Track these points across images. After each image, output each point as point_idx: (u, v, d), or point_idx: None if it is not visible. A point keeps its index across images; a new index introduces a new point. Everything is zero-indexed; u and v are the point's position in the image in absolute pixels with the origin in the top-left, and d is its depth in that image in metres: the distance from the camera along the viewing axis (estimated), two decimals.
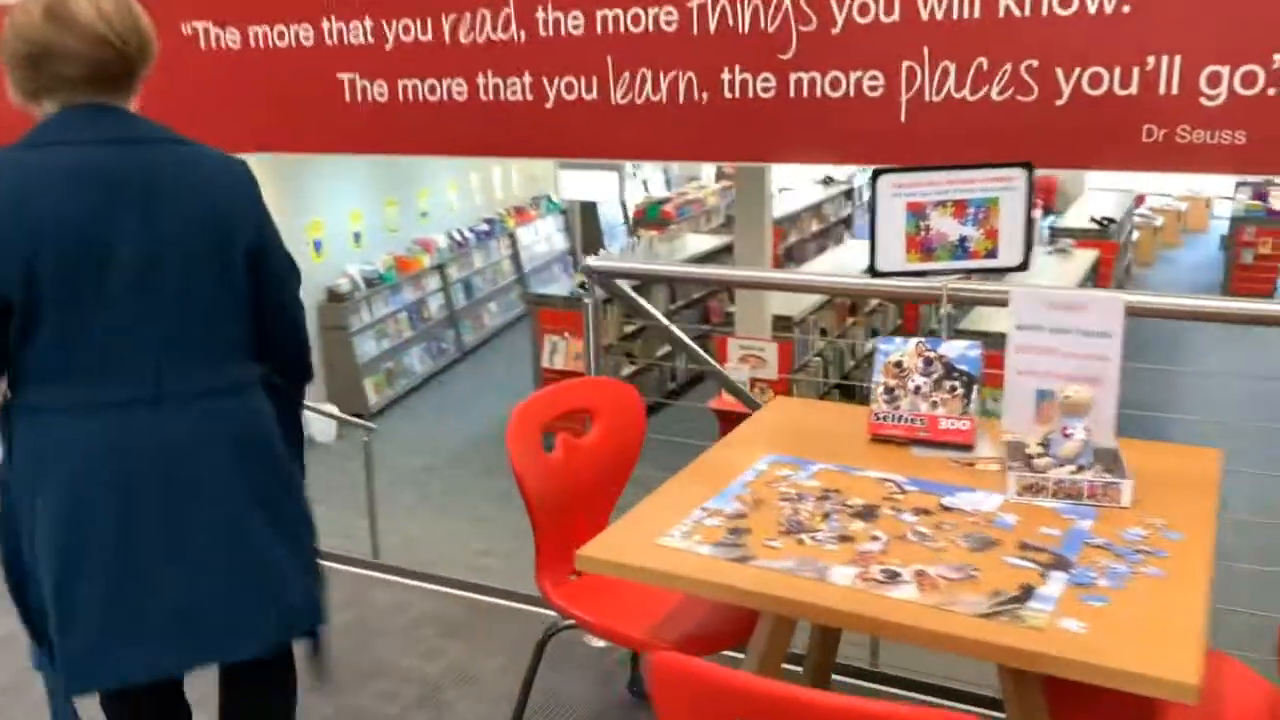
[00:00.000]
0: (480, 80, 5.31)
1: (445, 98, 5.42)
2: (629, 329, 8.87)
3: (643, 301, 3.12)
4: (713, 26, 4.72)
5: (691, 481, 1.90)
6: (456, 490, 8.03)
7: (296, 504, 1.92)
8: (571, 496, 2.11)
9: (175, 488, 1.74)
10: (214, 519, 1.76)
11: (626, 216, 17.61)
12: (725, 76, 4.78)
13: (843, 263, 9.87)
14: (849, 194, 13.78)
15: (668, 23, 4.84)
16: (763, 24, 4.63)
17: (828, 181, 13.22)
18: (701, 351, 3.58)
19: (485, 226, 12.31)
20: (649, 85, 4.91)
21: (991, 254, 1.98)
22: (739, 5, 4.68)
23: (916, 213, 2.04)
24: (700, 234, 11.34)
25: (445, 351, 11.03)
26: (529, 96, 5.25)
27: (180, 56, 5.62)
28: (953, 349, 1.93)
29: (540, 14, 5.07)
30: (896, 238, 2.03)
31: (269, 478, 1.86)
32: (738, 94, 4.77)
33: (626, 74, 4.97)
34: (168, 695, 1.96)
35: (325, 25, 5.48)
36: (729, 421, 7.54)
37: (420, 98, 5.48)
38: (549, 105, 5.14)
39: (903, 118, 4.44)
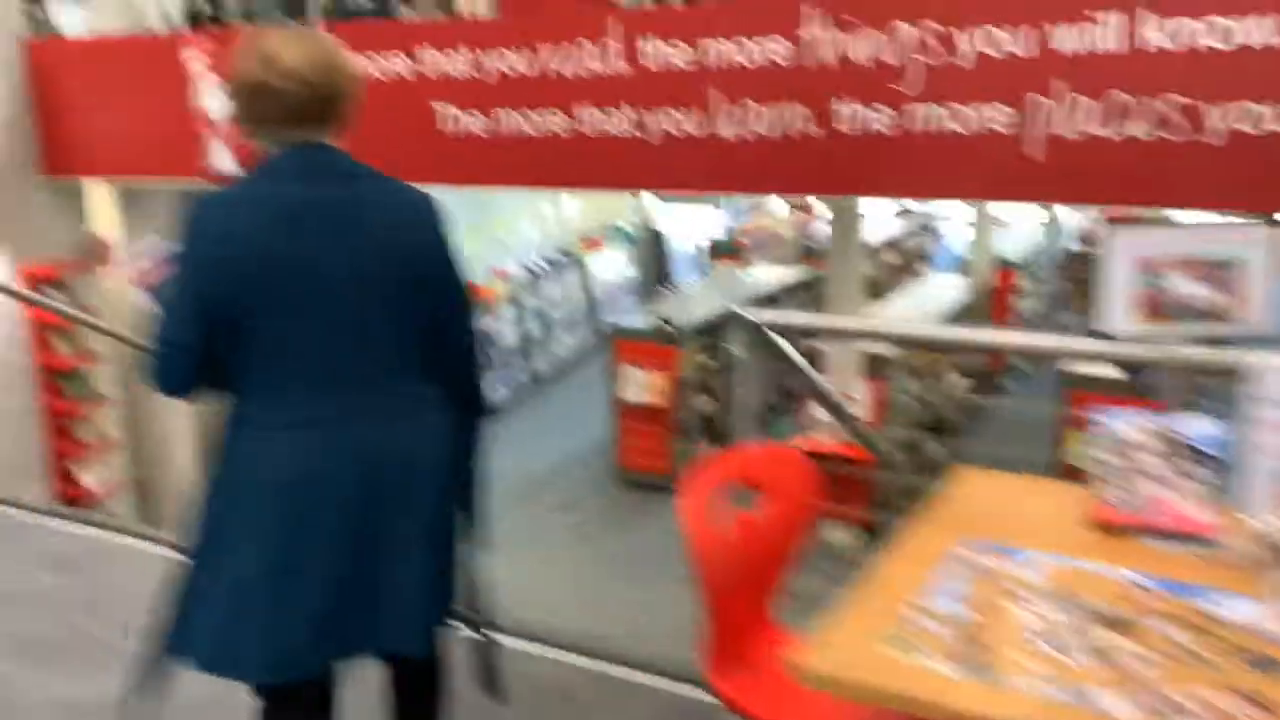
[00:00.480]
0: (580, 112, 5.19)
1: (543, 130, 5.32)
2: (709, 362, 8.68)
3: (798, 357, 2.86)
4: (826, 58, 4.56)
5: (883, 566, 1.69)
6: (527, 528, 7.88)
7: (449, 526, 2.04)
8: (741, 576, 1.91)
9: (357, 500, 1.89)
10: (386, 530, 1.91)
11: (695, 247, 17.45)
12: (838, 109, 4.61)
13: (925, 299, 9.61)
14: (927, 227, 13.49)
15: (777, 54, 4.69)
16: (881, 55, 4.46)
17: (905, 213, 12.93)
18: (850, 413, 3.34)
19: (558, 256, 12.23)
20: (756, 118, 4.76)
21: (1233, 318, 1.76)
22: (854, 36, 4.52)
23: (1147, 270, 1.82)
24: (778, 266, 11.12)
25: (518, 381, 10.93)
26: (630, 129, 5.13)
27: None
28: (1193, 426, 1.71)
29: (643, 45, 4.96)
30: (1123, 297, 1.81)
31: (434, 496, 2.00)
32: (851, 127, 4.59)
33: (732, 106, 4.83)
34: (325, 692, 2.08)
35: (420, 54, 5.42)
36: (823, 467, 7.31)
37: (517, 129, 5.39)
38: (651, 138, 5.01)
39: (1030, 152, 4.23)
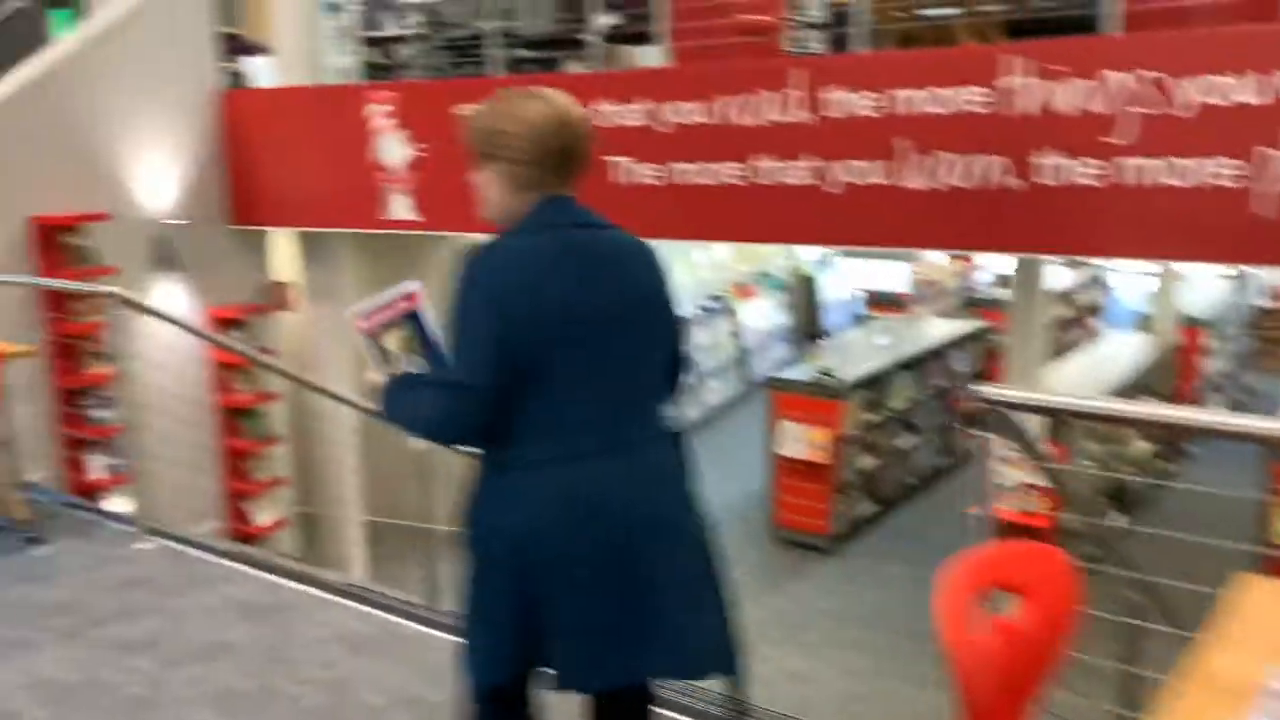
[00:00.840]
0: (758, 163, 5.08)
1: (718, 181, 5.23)
2: (872, 417, 8.39)
3: (1038, 443, 2.61)
4: (1028, 107, 4.32)
5: (1190, 696, 1.46)
6: None
7: (714, 551, 2.20)
8: (1001, 688, 1.71)
9: (640, 526, 2.02)
10: (667, 555, 2.05)
11: (847, 295, 17.10)
12: (1039, 161, 4.36)
13: (1104, 360, 9.09)
14: (1098, 279, 12.85)
15: (973, 103, 4.48)
16: (1089, 105, 4.20)
17: (1076, 264, 12.32)
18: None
19: (711, 304, 12.14)
20: (948, 169, 4.55)
21: None
22: (1060, 84, 4.27)
23: None
24: (940, 316, 10.74)
25: None
26: (811, 180, 4.98)
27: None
28: None
29: (827, 95, 4.82)
30: None
31: (701, 520, 2.17)
32: (1054, 180, 4.34)
33: (922, 157, 4.63)
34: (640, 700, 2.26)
35: (593, 107, 5.40)
36: (1011, 536, 6.92)
37: (691, 181, 5.31)
38: (834, 190, 4.86)
39: (1259, 210, 3.89)
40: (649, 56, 7.35)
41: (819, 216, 4.78)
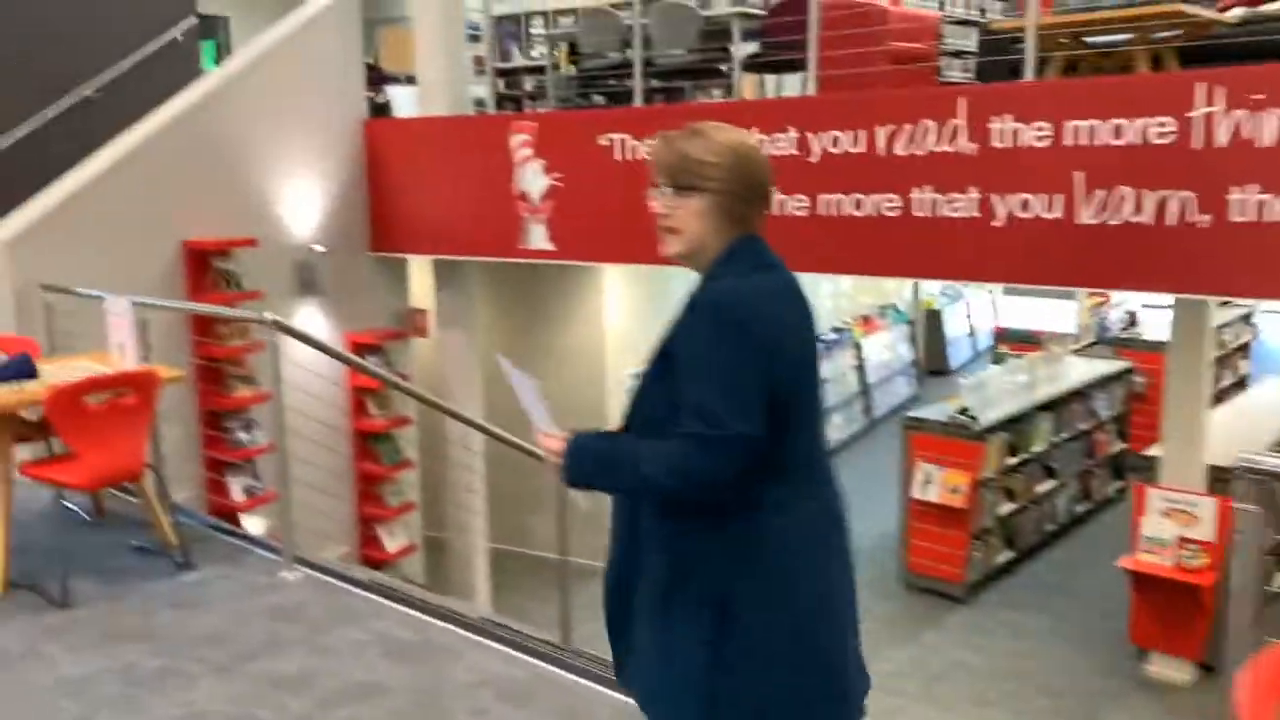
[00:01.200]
0: (916, 195, 4.87)
1: (874, 213, 5.04)
2: (1011, 461, 8.02)
3: None
4: (1222, 139, 4.03)
5: None
6: None
7: None
8: None
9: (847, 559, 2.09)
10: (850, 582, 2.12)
11: (973, 329, 16.60)
12: (1236, 197, 4.06)
13: (1266, 405, 8.53)
14: (1248, 317, 12.16)
15: (1161, 135, 4.20)
16: None
17: (1226, 302, 11.65)
18: None
19: (834, 335, 11.86)
20: (1129, 205, 4.27)
21: None
22: (1262, 114, 3.97)
23: None
24: (1085, 357, 10.25)
25: None
26: (975, 214, 4.75)
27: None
28: None
29: (995, 125, 4.59)
30: None
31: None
32: (1254, 216, 4.02)
33: (1100, 192, 4.36)
34: None
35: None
36: (1149, 589, 6.50)
37: (844, 213, 5.13)
38: (998, 223, 4.61)
39: None
40: (790, 85, 7.22)
41: (982, 252, 4.54)
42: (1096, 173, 4.18)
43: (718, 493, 1.90)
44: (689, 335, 1.92)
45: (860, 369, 12.50)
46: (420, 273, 7.28)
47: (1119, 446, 9.79)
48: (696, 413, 1.84)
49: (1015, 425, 8.06)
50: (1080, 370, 9.49)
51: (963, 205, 4.54)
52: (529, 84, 7.59)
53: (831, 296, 12.17)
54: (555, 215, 5.90)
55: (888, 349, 13.33)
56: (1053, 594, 7.79)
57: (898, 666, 6.90)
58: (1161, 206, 4.03)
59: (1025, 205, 4.37)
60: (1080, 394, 9.01)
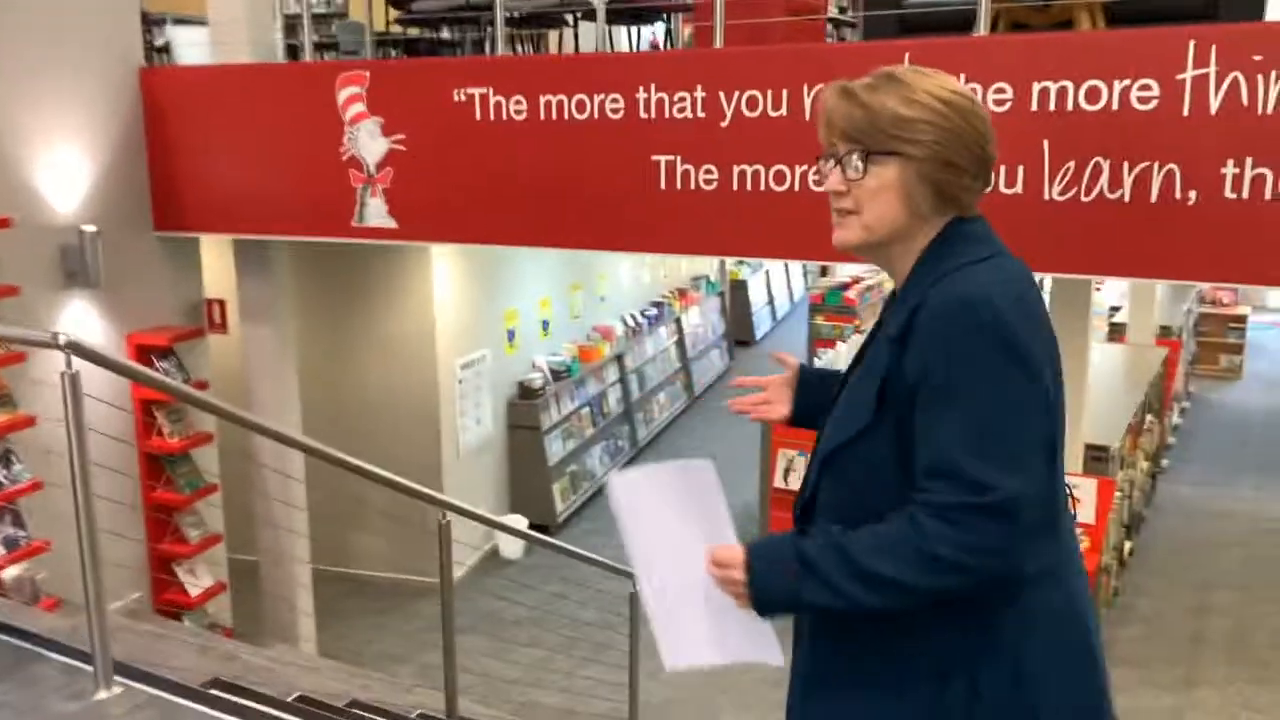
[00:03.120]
0: None
1: (796, 188, 4.38)
2: None
3: None
4: (1213, 106, 3.61)
5: None
6: None
7: None
8: None
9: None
10: None
11: (771, 298, 16.51)
12: (1229, 171, 3.67)
13: None
14: None
15: (1142, 100, 3.75)
16: None
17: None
18: None
19: (654, 310, 11.29)
20: (1105, 179, 3.82)
21: None
22: (1260, 76, 3.58)
23: None
24: None
25: (621, 450, 9.94)
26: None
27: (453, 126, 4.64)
28: None
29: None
30: None
31: None
32: (1247, 193, 3.65)
33: (1070, 164, 3.88)
34: None
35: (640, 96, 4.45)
36: None
37: (761, 186, 4.44)
38: None
39: None
40: (622, 40, 6.47)
41: None
42: (1066, 142, 3.68)
43: (1007, 572, 1.40)
44: (944, 358, 1.39)
45: (680, 344, 12.02)
46: (217, 256, 6.05)
47: None
48: (952, 469, 1.36)
49: None
50: None
51: None
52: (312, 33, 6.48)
53: (650, 267, 11.58)
54: (397, 186, 4.90)
55: (703, 322, 12.92)
56: None
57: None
58: (1143, 181, 3.57)
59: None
60: None
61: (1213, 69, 3.40)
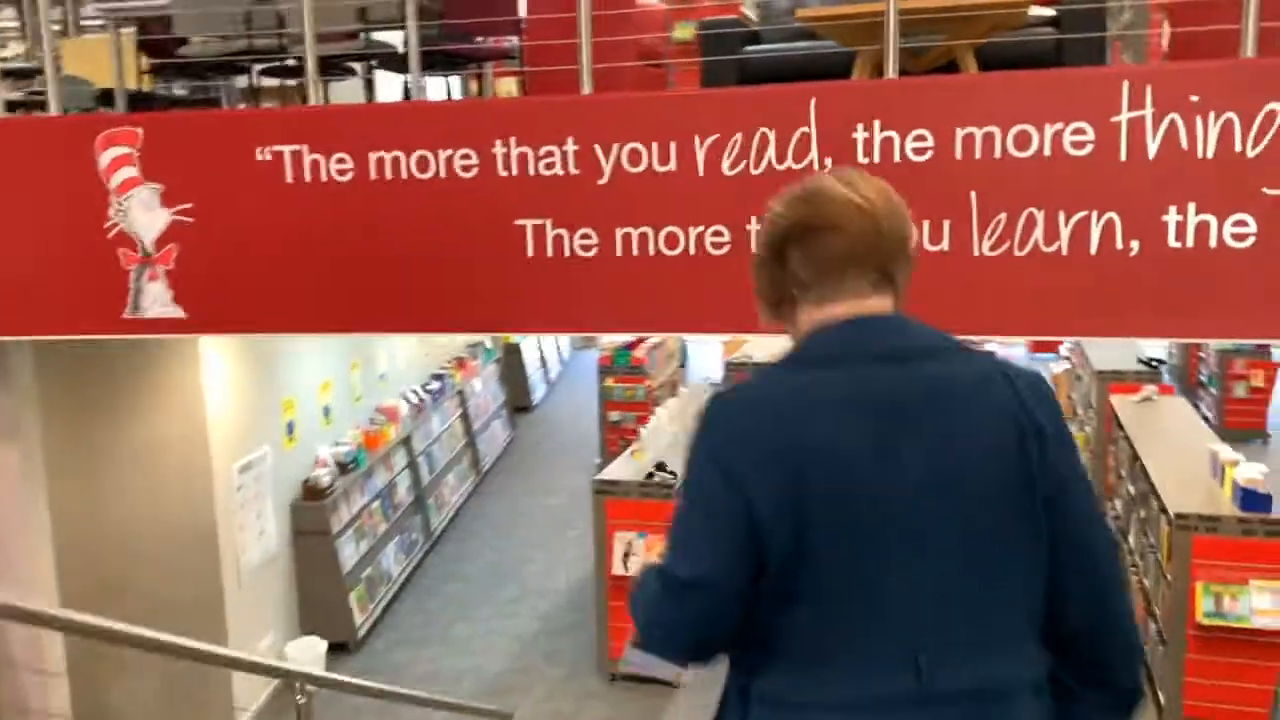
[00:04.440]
0: (757, 226, 3.75)
1: (695, 250, 3.82)
2: None
3: None
4: (1152, 150, 3.38)
5: None
6: None
7: None
8: None
9: None
10: None
11: (544, 361, 15.97)
12: (1172, 218, 3.45)
13: None
14: None
15: (1076, 145, 3.48)
16: (1239, 145, 3.35)
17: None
18: None
19: (436, 384, 10.44)
20: (1039, 231, 3.51)
21: None
22: (1200, 120, 3.38)
23: None
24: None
25: (415, 544, 8.99)
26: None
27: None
28: None
29: (860, 134, 3.61)
30: None
31: None
32: (1191, 243, 3.43)
33: (1002, 215, 3.55)
34: None
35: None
36: None
37: (649, 250, 3.86)
38: None
39: None
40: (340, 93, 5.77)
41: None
42: (994, 191, 3.35)
43: (687, 656, 1.57)
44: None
45: (465, 418, 11.20)
46: None
47: None
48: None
49: None
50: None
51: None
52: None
53: (427, 338, 10.73)
54: (183, 266, 3.96)
55: (484, 392, 12.17)
56: None
57: None
58: (1081, 232, 3.30)
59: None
60: None
61: (1149, 110, 3.17)
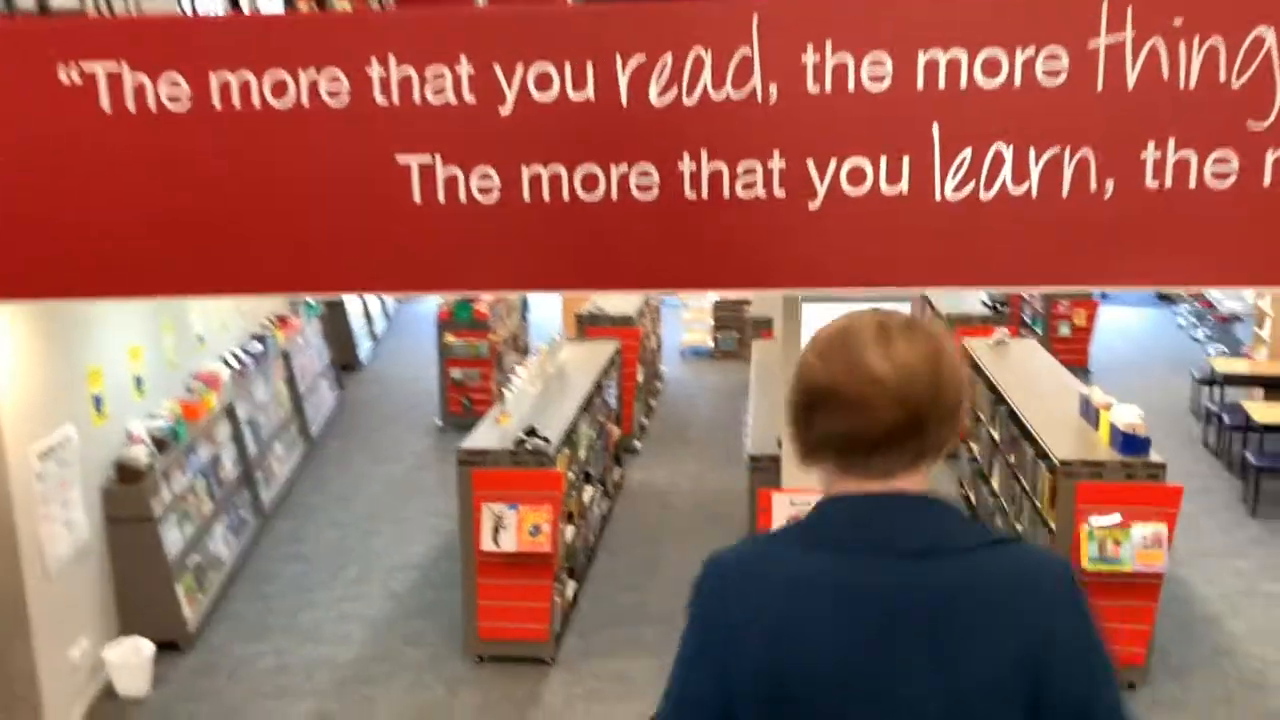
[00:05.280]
0: (686, 166, 3.23)
1: (616, 196, 3.28)
2: (571, 478, 6.75)
3: None
4: (1131, 80, 3.07)
5: None
6: None
7: None
8: None
9: None
10: None
11: (370, 318, 15.10)
12: (1149, 155, 3.15)
13: None
14: None
15: (1049, 73, 3.12)
16: (1223, 75, 3.07)
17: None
18: None
19: (258, 345, 9.49)
20: (1007, 170, 3.15)
21: None
22: (1184, 45, 3.07)
23: None
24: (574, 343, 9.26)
25: (245, 523, 8.14)
26: (779, 193, 3.25)
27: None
28: None
29: (807, 58, 3.15)
30: None
31: None
32: (1170, 182, 3.15)
33: (966, 152, 3.17)
34: None
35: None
36: None
37: (564, 196, 3.28)
38: (814, 206, 3.22)
39: None
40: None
41: (786, 248, 3.12)
42: (960, 126, 2.99)
43: None
44: None
45: (291, 381, 10.28)
46: None
47: (618, 433, 9.13)
48: None
49: (570, 436, 6.82)
50: (582, 356, 8.55)
51: (759, 179, 3.05)
52: None
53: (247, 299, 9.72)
54: None
55: (309, 351, 11.23)
56: (642, 623, 6.75)
57: None
58: (1053, 171, 2.97)
59: (857, 176, 3.03)
60: (599, 384, 8.07)
61: (1129, 34, 2.86)
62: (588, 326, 10.02)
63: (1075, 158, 2.94)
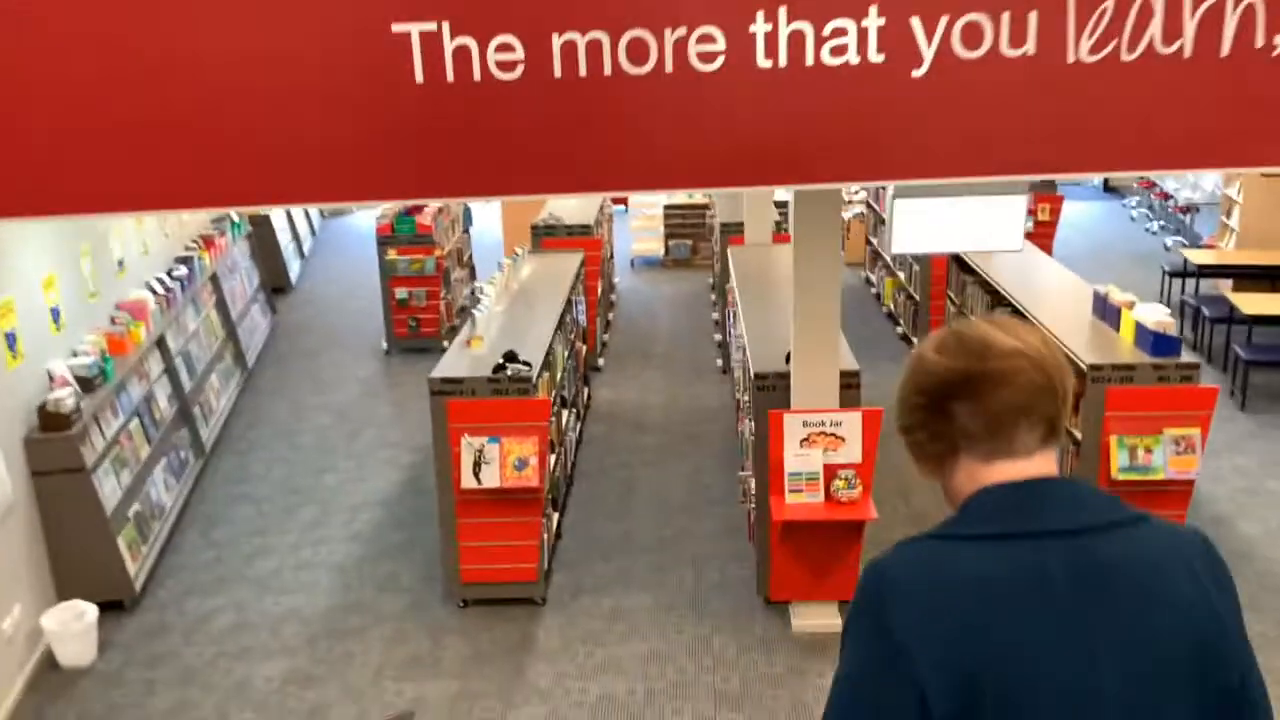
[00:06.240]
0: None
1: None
2: (552, 404, 6.19)
3: None
4: None
5: None
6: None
7: None
8: None
9: None
10: None
11: (298, 235, 14.20)
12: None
13: None
14: None
15: None
16: None
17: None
18: None
19: (183, 269, 8.65)
20: (1156, 25, 2.59)
21: None
22: None
23: None
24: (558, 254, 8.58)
25: (185, 464, 7.44)
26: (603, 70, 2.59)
27: None
28: None
29: None
30: None
31: None
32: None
33: (1107, 3, 2.58)
34: None
35: None
36: (796, 538, 5.28)
37: (607, 69, 2.61)
38: (919, 73, 2.62)
39: None
40: None
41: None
42: None
43: None
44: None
45: (222, 306, 9.48)
46: None
47: (584, 351, 8.56)
48: None
49: (548, 359, 6.23)
50: (545, 270, 7.90)
51: (852, 42, 2.45)
52: None
53: (171, 217, 8.84)
54: None
55: (238, 274, 10.39)
56: (631, 554, 6.29)
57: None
58: (1211, 23, 2.43)
59: (973, 35, 2.46)
60: (570, 301, 7.46)
61: None
62: (544, 238, 9.34)
63: (1240, 7, 2.40)
